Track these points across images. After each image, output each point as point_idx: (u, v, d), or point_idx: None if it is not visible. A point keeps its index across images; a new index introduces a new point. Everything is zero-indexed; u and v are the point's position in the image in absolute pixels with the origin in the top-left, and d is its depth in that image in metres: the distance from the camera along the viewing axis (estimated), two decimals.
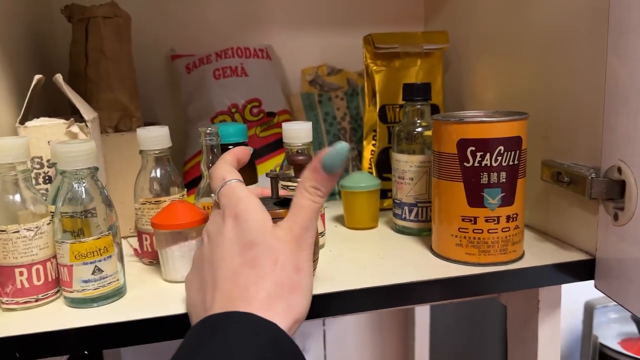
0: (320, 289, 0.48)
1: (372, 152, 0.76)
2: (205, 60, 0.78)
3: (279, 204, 0.47)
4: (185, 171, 0.77)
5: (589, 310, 1.08)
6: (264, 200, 0.49)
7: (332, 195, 0.80)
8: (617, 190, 0.49)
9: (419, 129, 0.63)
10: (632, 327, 1.11)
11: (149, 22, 0.81)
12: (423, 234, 0.62)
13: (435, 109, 0.76)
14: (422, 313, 0.94)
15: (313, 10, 0.88)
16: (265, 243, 0.39)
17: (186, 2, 0.83)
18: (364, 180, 0.66)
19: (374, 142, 0.76)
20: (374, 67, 0.74)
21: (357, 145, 0.83)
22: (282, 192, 0.50)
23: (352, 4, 0.89)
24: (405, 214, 0.63)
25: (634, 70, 0.45)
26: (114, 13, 0.64)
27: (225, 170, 0.43)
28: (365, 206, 0.66)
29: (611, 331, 1.10)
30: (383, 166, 0.73)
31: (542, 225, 0.61)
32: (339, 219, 0.70)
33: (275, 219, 0.41)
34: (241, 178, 0.43)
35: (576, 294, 1.08)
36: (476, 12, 0.74)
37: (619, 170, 0.48)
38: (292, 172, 0.49)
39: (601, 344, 1.04)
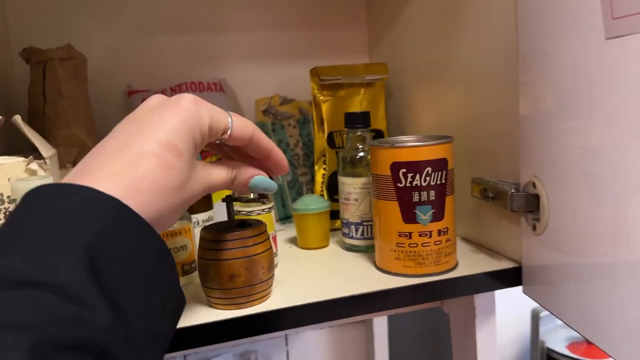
0: (272, 306, 0.51)
1: (324, 176, 0.80)
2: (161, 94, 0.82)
3: (238, 226, 0.53)
4: None
5: (536, 318, 1.14)
6: (220, 225, 0.54)
7: (287, 219, 0.84)
8: (533, 203, 0.54)
9: (361, 154, 0.68)
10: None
11: (105, 60, 0.85)
12: (369, 251, 0.67)
13: (379, 134, 0.81)
14: (381, 327, 0.98)
15: (265, 44, 0.93)
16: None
17: (141, 40, 0.87)
18: (314, 202, 0.71)
19: (324, 166, 0.80)
20: (321, 97, 0.79)
21: (309, 170, 0.88)
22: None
23: (302, 38, 0.95)
24: (352, 232, 0.68)
25: (540, 98, 0.52)
26: (70, 55, 0.67)
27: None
28: (316, 227, 0.70)
29: (558, 336, 1.16)
30: (333, 189, 0.78)
31: (476, 238, 0.66)
32: (293, 240, 0.74)
33: (238, 239, 0.49)
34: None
35: (523, 303, 1.14)
36: (411, 45, 0.80)
37: (534, 185, 0.54)
38: (249, 195, 0.55)
39: (548, 349, 1.10)
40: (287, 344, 1.01)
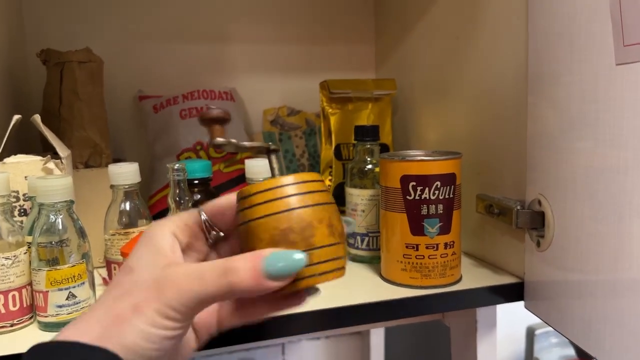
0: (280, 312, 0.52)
1: (329, 187, 0.82)
2: (172, 101, 0.84)
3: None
4: (152, 204, 0.81)
5: (530, 335, 1.16)
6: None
7: None
8: (538, 220, 0.56)
9: (369, 166, 0.69)
10: (571, 351, 1.19)
11: (119, 65, 0.86)
12: (374, 262, 0.68)
13: (385, 148, 0.83)
14: (377, 339, 0.99)
15: (275, 57, 0.95)
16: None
17: (154, 47, 0.89)
18: None
19: (330, 177, 0.82)
20: (330, 110, 0.81)
21: None
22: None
23: (311, 52, 0.97)
24: (357, 243, 0.69)
25: (547, 119, 0.54)
26: (89, 58, 0.69)
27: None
28: None
29: (552, 355, 1.17)
30: (338, 200, 0.79)
31: (479, 253, 0.68)
32: None
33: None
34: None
35: (519, 320, 1.16)
36: (420, 64, 0.82)
37: (539, 202, 0.56)
38: None
39: None
40: (283, 353, 1.01)
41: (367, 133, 0.70)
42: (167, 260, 0.34)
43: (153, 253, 0.35)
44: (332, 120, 0.81)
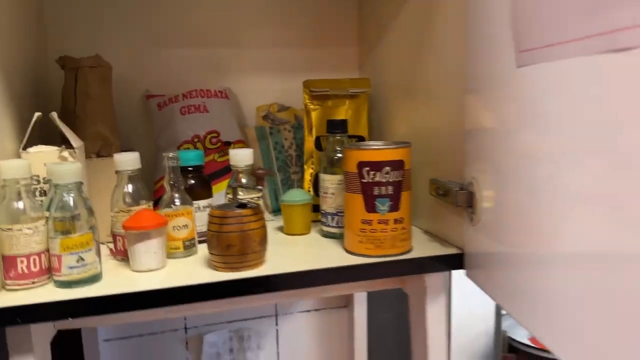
0: (261, 272, 0.64)
1: (311, 175, 0.92)
2: (174, 99, 0.95)
3: (239, 207, 0.66)
4: (156, 189, 0.92)
5: (499, 312, 1.25)
6: (226, 205, 0.66)
7: (279, 211, 0.96)
8: (471, 199, 0.65)
9: (339, 155, 0.79)
10: None
11: (130, 68, 0.98)
12: (342, 237, 0.78)
13: (362, 140, 0.93)
14: (360, 311, 1.10)
15: (267, 59, 1.06)
16: None
17: (159, 52, 1.00)
18: (299, 195, 0.82)
19: (312, 166, 0.92)
20: (311, 106, 0.91)
21: (300, 169, 0.99)
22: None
23: (300, 55, 1.07)
24: (329, 221, 0.80)
25: (479, 113, 0.63)
26: (98, 63, 0.80)
27: None
28: (300, 216, 0.82)
29: (522, 330, 1.25)
30: (316, 185, 0.90)
31: (433, 229, 0.78)
32: (281, 228, 0.86)
33: (237, 216, 0.62)
34: None
35: (489, 299, 1.24)
36: (390, 64, 0.92)
37: (472, 184, 0.65)
38: (249, 183, 0.68)
39: (510, 338, 1.20)
40: (277, 324, 1.12)
41: (336, 126, 0.80)
42: None
43: None
44: (314, 115, 0.91)
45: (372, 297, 1.13)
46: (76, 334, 1.02)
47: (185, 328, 1.08)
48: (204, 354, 1.09)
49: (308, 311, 1.14)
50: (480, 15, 0.61)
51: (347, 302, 1.15)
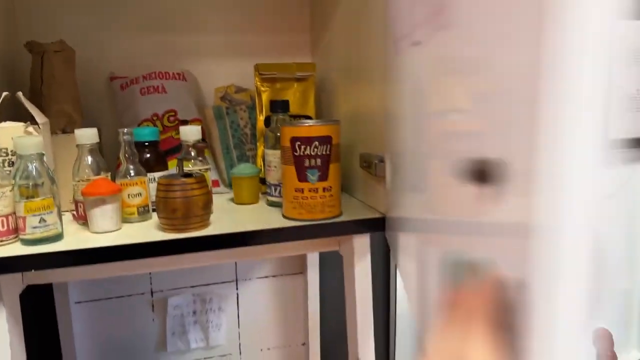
0: (204, 233, 0.73)
1: (263, 151, 1.01)
2: (135, 81, 1.03)
3: (184, 176, 0.75)
4: (119, 163, 1.00)
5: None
6: (173, 175, 0.75)
7: (230, 186, 1.05)
8: (385, 171, 0.75)
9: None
10: None
11: (94, 51, 1.06)
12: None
13: (309, 119, 1.02)
14: (313, 277, 1.21)
15: (226, 43, 1.14)
16: None
17: (122, 36, 1.08)
18: (247, 169, 0.92)
19: (264, 143, 1.01)
20: (262, 88, 1.00)
21: (254, 146, 1.08)
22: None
23: (258, 40, 1.15)
24: (272, 192, 0.89)
25: (390, 97, 0.72)
26: (62, 48, 0.88)
27: None
28: (248, 187, 0.91)
29: None
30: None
31: (364, 198, 0.87)
32: (233, 199, 0.95)
33: (182, 184, 0.70)
34: None
35: None
36: (336, 49, 1.01)
37: (384, 159, 0.75)
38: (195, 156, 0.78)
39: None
40: (237, 289, 1.22)
41: (279, 106, 0.89)
42: None
43: None
44: (264, 96, 1.00)
45: (323, 265, 1.23)
46: (49, 297, 1.11)
47: (152, 292, 1.18)
48: (168, 315, 1.19)
49: (266, 277, 1.24)
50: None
51: (302, 269, 1.25)
